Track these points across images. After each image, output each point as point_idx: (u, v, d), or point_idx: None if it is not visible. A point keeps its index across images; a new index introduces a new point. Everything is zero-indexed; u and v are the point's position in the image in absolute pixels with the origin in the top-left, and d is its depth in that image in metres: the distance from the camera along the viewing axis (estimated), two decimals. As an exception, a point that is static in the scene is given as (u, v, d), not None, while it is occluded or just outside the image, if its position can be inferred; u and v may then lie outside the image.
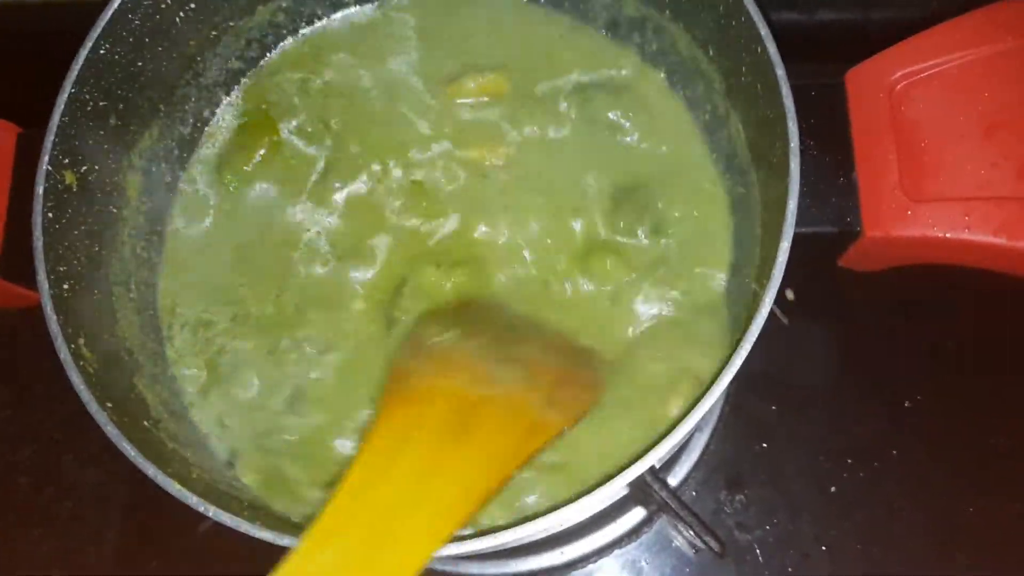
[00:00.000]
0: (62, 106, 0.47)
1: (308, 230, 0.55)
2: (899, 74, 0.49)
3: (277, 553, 0.40)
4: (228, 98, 0.58)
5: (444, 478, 0.36)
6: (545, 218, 0.54)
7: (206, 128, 0.58)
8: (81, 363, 0.44)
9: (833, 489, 0.60)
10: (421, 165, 0.55)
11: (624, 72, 0.57)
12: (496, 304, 0.51)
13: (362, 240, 0.54)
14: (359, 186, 0.55)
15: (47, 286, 0.44)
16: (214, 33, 0.56)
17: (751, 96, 0.49)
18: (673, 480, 0.60)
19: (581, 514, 0.41)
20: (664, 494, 0.46)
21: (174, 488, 0.41)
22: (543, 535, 0.51)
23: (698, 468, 0.61)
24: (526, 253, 0.53)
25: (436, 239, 0.54)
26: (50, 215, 0.46)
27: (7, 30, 0.71)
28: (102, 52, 0.49)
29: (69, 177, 0.48)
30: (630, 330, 0.51)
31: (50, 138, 0.47)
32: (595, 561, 0.60)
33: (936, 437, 0.60)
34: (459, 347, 0.45)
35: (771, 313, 0.40)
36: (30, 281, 0.46)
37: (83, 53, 0.48)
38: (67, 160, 0.48)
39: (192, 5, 0.53)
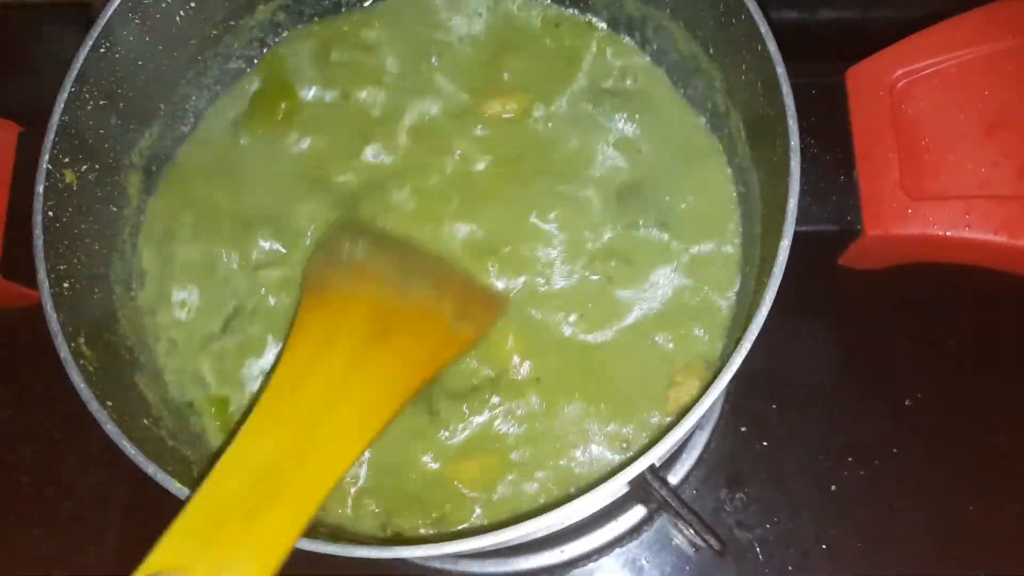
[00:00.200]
0: (62, 105, 0.47)
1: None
2: (899, 72, 0.49)
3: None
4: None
5: (367, 378, 0.39)
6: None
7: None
8: (81, 362, 0.44)
9: (833, 488, 0.60)
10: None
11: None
12: (398, 237, 0.52)
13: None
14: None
15: (47, 285, 0.44)
16: (215, 32, 0.56)
17: (751, 94, 0.49)
18: (673, 478, 0.60)
19: (581, 512, 0.41)
20: (664, 492, 0.46)
21: (174, 486, 0.41)
22: (544, 533, 0.51)
23: (698, 466, 0.61)
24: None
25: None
26: (50, 214, 0.46)
27: (8, 29, 0.71)
28: (102, 51, 0.49)
29: (69, 176, 0.48)
30: (632, 318, 0.52)
31: (50, 137, 0.47)
32: (595, 559, 0.60)
33: (936, 436, 0.60)
34: (370, 260, 0.46)
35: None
36: (30, 280, 0.46)
37: (83, 52, 0.48)
38: (67, 159, 0.48)
39: (192, 4, 0.53)
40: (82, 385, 0.42)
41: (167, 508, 0.41)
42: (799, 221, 0.42)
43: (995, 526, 0.58)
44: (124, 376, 0.48)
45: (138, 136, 0.53)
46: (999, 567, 0.58)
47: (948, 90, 0.49)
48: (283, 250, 0.53)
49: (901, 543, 0.59)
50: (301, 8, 0.59)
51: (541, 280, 0.52)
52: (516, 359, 0.50)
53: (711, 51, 0.53)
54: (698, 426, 0.60)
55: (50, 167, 0.46)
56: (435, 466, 0.49)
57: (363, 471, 0.49)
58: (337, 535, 0.48)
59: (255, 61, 0.59)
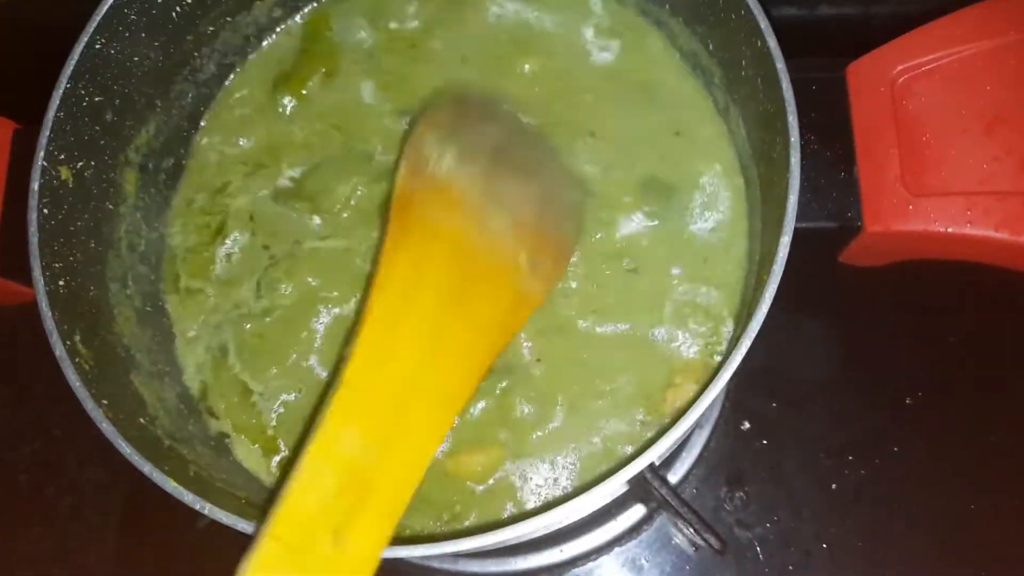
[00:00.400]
0: (57, 101, 0.47)
1: None
2: (900, 68, 0.49)
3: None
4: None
5: (447, 351, 0.34)
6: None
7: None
8: (77, 360, 0.43)
9: (834, 486, 0.60)
10: None
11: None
12: (493, 105, 0.49)
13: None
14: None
15: (42, 283, 0.44)
16: (211, 28, 0.55)
17: (751, 90, 0.48)
18: (673, 477, 0.60)
19: (581, 511, 0.41)
20: (664, 491, 0.46)
21: (170, 486, 0.41)
22: (543, 532, 0.51)
23: (698, 465, 0.61)
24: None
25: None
26: (45, 211, 0.46)
27: (2, 26, 0.70)
28: (98, 47, 0.49)
29: (65, 173, 0.48)
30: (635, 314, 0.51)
31: (45, 134, 0.46)
32: (595, 559, 0.60)
33: (937, 434, 0.60)
34: (457, 175, 0.42)
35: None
36: (26, 278, 0.45)
37: (79, 48, 0.48)
38: (63, 156, 0.48)
39: (188, 0, 0.53)
40: (77, 383, 0.42)
41: (166, 506, 0.41)
42: (799, 218, 0.42)
43: (996, 524, 0.58)
44: (120, 375, 0.48)
45: (134, 133, 0.53)
46: (1000, 565, 0.57)
47: (949, 86, 0.48)
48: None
49: (902, 541, 0.58)
50: (297, 4, 0.58)
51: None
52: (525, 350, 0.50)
53: (711, 47, 0.53)
54: (698, 424, 0.60)
55: (45, 164, 0.46)
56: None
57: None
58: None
59: (251, 56, 0.59)
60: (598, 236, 0.51)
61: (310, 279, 0.53)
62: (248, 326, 0.53)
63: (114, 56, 0.50)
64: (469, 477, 0.48)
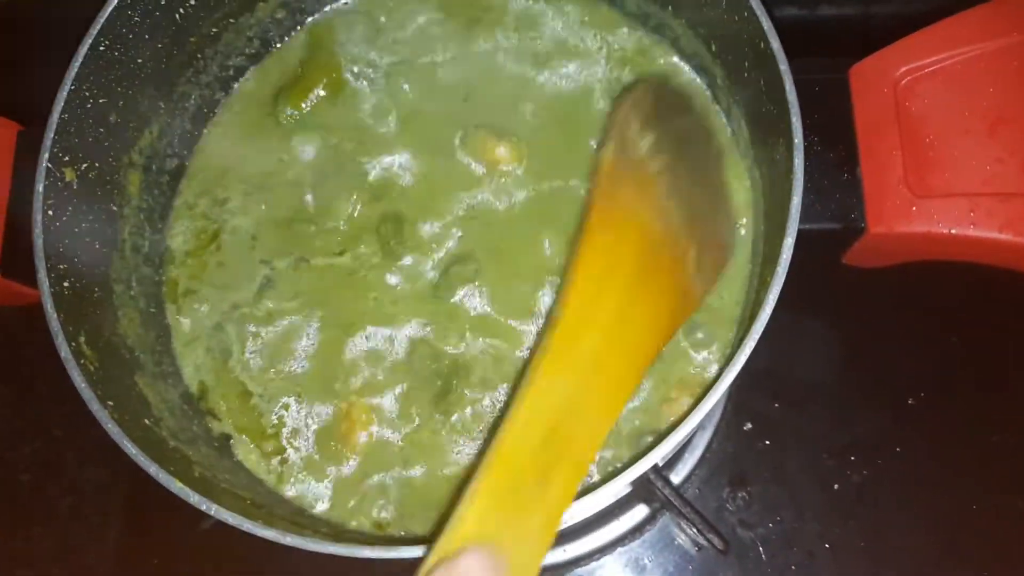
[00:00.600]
0: (62, 103, 0.47)
1: None
2: (903, 69, 0.49)
3: (278, 551, 0.40)
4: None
5: (633, 327, 0.37)
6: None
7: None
8: (82, 361, 0.43)
9: (836, 487, 0.60)
10: None
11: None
12: (689, 99, 0.51)
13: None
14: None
15: (47, 284, 0.44)
16: (215, 30, 0.55)
17: (754, 92, 0.48)
18: (676, 477, 0.60)
19: (583, 513, 0.41)
20: (667, 492, 0.46)
21: (176, 486, 0.41)
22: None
23: (701, 465, 0.61)
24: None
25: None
26: (50, 213, 0.46)
27: (7, 27, 0.70)
28: (102, 49, 0.49)
29: (69, 174, 0.48)
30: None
31: (50, 135, 0.46)
32: (598, 559, 0.60)
33: (939, 434, 0.60)
34: (652, 161, 0.43)
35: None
36: (30, 279, 0.45)
37: (83, 50, 0.48)
38: (67, 157, 0.48)
39: (192, 2, 0.53)
40: (83, 385, 0.42)
41: (168, 506, 0.41)
42: (802, 219, 0.42)
43: (998, 524, 0.58)
44: (124, 376, 0.48)
45: (138, 135, 0.53)
46: (1002, 565, 0.57)
47: (952, 87, 0.48)
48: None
49: (904, 541, 0.58)
50: (302, 6, 0.58)
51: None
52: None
53: (714, 48, 0.53)
54: (700, 425, 0.60)
55: (50, 166, 0.46)
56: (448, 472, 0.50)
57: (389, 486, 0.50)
58: (340, 535, 0.48)
59: (254, 64, 0.59)
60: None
61: (308, 294, 0.53)
62: (247, 329, 0.53)
63: (118, 58, 0.50)
64: None
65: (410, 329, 0.52)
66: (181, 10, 0.53)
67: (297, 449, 0.51)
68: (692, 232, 0.43)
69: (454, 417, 0.50)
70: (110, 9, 0.48)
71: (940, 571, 0.58)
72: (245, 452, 0.51)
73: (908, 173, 0.48)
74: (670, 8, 0.54)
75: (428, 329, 0.52)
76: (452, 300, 0.52)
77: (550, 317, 0.34)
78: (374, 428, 0.50)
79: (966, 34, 0.49)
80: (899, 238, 0.48)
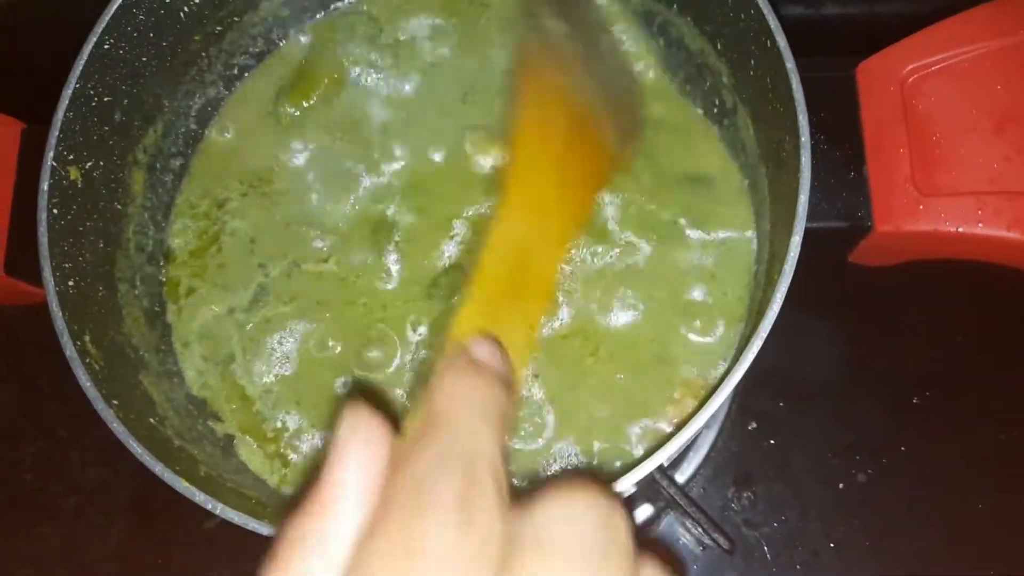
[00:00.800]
0: (66, 102, 0.47)
1: None
2: (910, 67, 0.49)
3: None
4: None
5: (573, 174, 0.39)
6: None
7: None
8: (87, 360, 0.43)
9: (841, 486, 0.59)
10: None
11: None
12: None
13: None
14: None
15: (52, 283, 0.44)
16: (219, 28, 0.55)
17: (760, 90, 0.48)
18: (681, 477, 0.60)
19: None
20: (672, 491, 0.46)
21: (181, 485, 0.41)
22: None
23: (705, 465, 0.60)
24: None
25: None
26: (55, 212, 0.46)
27: (11, 25, 0.70)
28: (106, 47, 0.49)
29: (74, 173, 0.48)
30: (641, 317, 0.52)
31: (54, 134, 0.46)
32: (602, 558, 0.60)
33: (945, 433, 0.60)
34: (566, 46, 0.46)
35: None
36: (35, 278, 0.45)
37: (87, 48, 0.48)
38: (71, 156, 0.48)
39: (197, 0, 0.53)
40: (88, 384, 0.42)
41: (172, 505, 0.41)
42: (809, 217, 0.42)
43: (1006, 524, 0.58)
44: (129, 375, 0.48)
45: (142, 133, 0.53)
46: (1010, 565, 0.57)
47: (959, 85, 0.48)
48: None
49: (910, 541, 0.58)
50: (305, 4, 0.58)
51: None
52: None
53: (719, 46, 0.53)
54: (705, 425, 0.60)
55: (55, 164, 0.46)
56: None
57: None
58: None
59: (258, 63, 0.59)
60: (599, 249, 0.52)
61: (304, 299, 0.53)
62: (247, 333, 0.53)
63: (123, 56, 0.50)
64: None
65: (408, 333, 0.52)
66: (185, 8, 0.53)
67: (300, 453, 0.51)
68: (607, 104, 0.45)
69: None
70: (115, 7, 0.48)
71: (946, 570, 0.58)
72: (248, 453, 0.51)
73: (915, 171, 0.47)
74: (675, 6, 0.54)
75: (422, 332, 0.52)
76: (451, 303, 0.52)
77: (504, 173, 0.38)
78: None
79: (973, 32, 0.48)
80: (906, 236, 0.47)
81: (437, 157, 0.55)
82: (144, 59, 0.51)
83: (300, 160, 0.56)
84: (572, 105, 0.42)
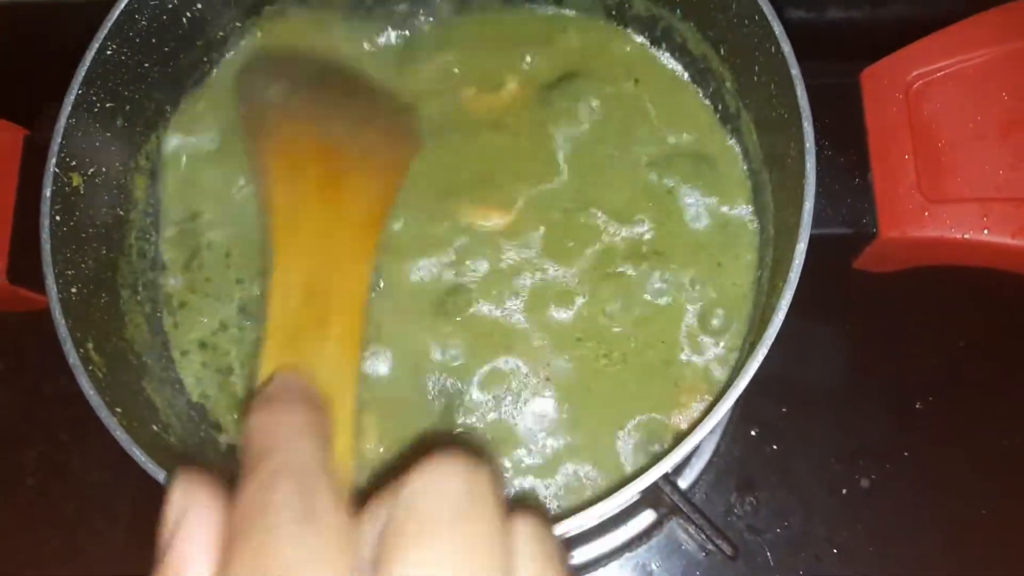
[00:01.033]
0: (69, 108, 0.46)
1: None
2: (915, 73, 0.49)
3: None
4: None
5: (352, 196, 0.40)
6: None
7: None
8: (90, 368, 0.43)
9: (844, 491, 0.59)
10: None
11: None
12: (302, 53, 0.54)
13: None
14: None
15: (55, 291, 0.44)
16: (221, 34, 0.55)
17: (764, 95, 0.48)
18: (683, 482, 0.60)
19: (591, 520, 0.40)
20: (676, 497, 0.46)
21: (185, 495, 0.41)
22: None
23: (708, 470, 0.60)
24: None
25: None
26: (57, 218, 0.46)
27: (13, 31, 0.70)
28: (109, 53, 0.48)
29: (76, 180, 0.48)
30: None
31: (57, 140, 0.46)
32: (605, 564, 0.60)
33: (949, 439, 0.60)
34: (292, 99, 0.46)
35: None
36: (37, 285, 0.45)
37: (90, 54, 0.47)
38: (74, 162, 0.47)
39: (199, 5, 0.52)
40: (91, 392, 0.42)
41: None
42: (813, 224, 0.42)
43: (1008, 529, 0.58)
44: (132, 382, 0.47)
45: (144, 139, 0.53)
46: (1013, 569, 0.57)
47: (965, 91, 0.48)
48: None
49: (913, 546, 0.58)
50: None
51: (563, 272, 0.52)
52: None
53: (722, 52, 0.52)
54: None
55: (57, 171, 0.46)
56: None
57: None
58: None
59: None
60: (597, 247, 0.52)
61: None
62: (244, 347, 0.53)
63: (125, 62, 0.49)
64: None
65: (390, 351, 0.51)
66: (188, 13, 0.52)
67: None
68: (371, 129, 0.47)
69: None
70: (117, 13, 0.48)
71: (949, 575, 0.58)
72: None
73: (920, 178, 0.47)
74: (679, 12, 0.54)
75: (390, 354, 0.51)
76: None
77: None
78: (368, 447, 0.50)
79: (979, 38, 0.48)
80: (911, 243, 0.47)
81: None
82: (146, 65, 0.51)
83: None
84: (323, 146, 0.42)
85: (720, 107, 0.55)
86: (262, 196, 0.40)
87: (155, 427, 0.46)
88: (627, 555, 0.60)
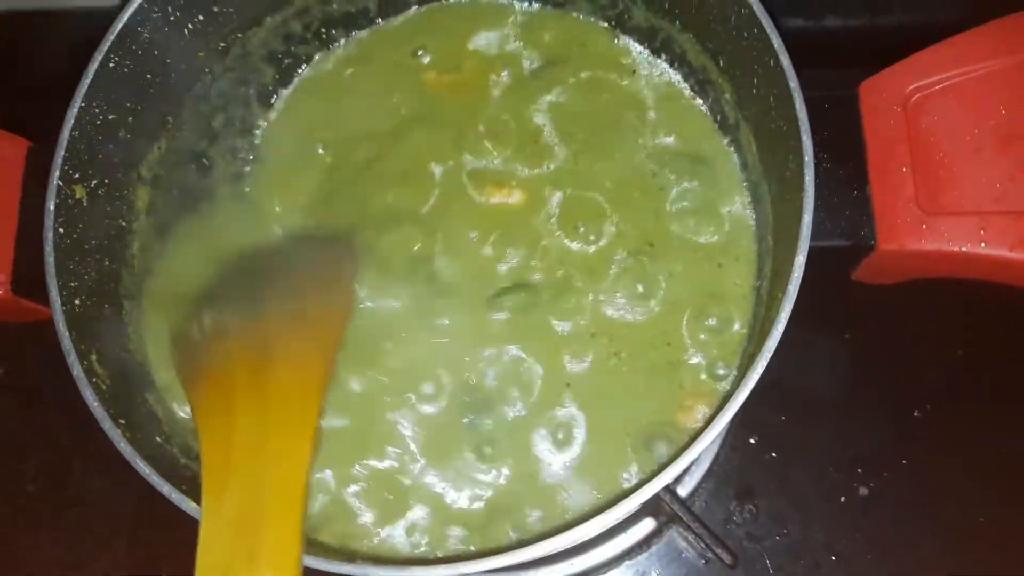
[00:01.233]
0: (72, 121, 0.47)
1: None
2: (913, 86, 0.49)
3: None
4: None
5: (278, 410, 0.40)
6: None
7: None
8: (94, 380, 0.43)
9: (843, 499, 0.60)
10: None
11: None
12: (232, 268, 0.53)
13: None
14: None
15: (59, 303, 0.44)
16: (222, 44, 0.55)
17: (763, 107, 0.48)
18: (683, 490, 0.60)
19: (592, 531, 0.41)
20: (675, 506, 0.46)
21: (189, 506, 0.41)
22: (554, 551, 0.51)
23: (708, 478, 0.61)
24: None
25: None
26: (61, 231, 0.46)
27: (16, 45, 0.70)
28: (111, 66, 0.49)
29: (79, 191, 0.48)
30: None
31: (60, 153, 0.46)
32: (605, 572, 0.60)
33: (945, 447, 0.60)
34: (222, 324, 0.47)
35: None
36: (40, 296, 0.45)
37: (92, 67, 0.48)
38: (77, 175, 0.48)
39: (200, 17, 0.53)
40: (95, 404, 0.42)
41: (176, 516, 0.41)
42: (812, 236, 0.42)
43: (1005, 537, 0.58)
44: (135, 393, 0.48)
45: (146, 150, 0.53)
46: (1011, 577, 0.58)
47: (963, 104, 0.48)
48: None
49: (911, 554, 0.59)
50: (308, 21, 0.58)
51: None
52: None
53: (721, 63, 0.53)
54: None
55: (60, 183, 0.46)
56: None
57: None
58: (351, 555, 0.48)
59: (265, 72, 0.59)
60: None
61: None
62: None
63: (127, 74, 0.50)
64: None
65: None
66: (189, 25, 0.53)
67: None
68: (303, 300, 0.47)
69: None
70: (120, 26, 0.48)
71: (947, 583, 0.58)
72: None
73: (918, 191, 0.48)
74: (678, 23, 0.54)
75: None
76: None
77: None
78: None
79: (976, 51, 0.49)
80: (909, 256, 0.48)
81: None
82: (148, 76, 0.51)
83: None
84: (251, 357, 0.42)
85: (720, 117, 0.55)
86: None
87: (158, 438, 0.46)
88: (627, 563, 0.60)
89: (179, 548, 0.61)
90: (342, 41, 0.60)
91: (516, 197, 0.55)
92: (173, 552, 0.61)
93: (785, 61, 0.45)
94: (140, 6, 0.49)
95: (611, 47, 0.58)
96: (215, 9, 0.53)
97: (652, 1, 0.55)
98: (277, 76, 0.59)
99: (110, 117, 0.49)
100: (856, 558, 0.59)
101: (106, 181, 0.50)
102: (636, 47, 0.58)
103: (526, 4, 0.59)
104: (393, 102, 0.58)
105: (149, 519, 0.64)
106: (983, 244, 0.46)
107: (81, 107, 0.47)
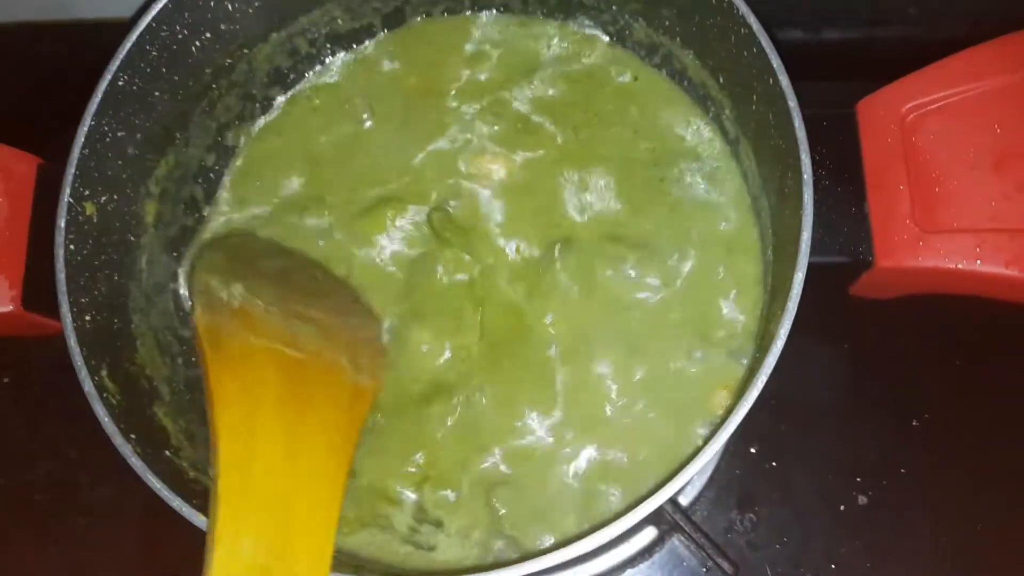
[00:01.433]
0: (82, 139, 0.47)
1: None
2: (910, 105, 0.50)
3: None
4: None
5: (306, 446, 0.38)
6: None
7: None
8: (105, 395, 0.44)
9: (843, 507, 0.60)
10: None
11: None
12: (265, 242, 0.53)
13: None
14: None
15: (70, 319, 0.45)
16: (229, 61, 0.56)
17: (762, 124, 0.49)
18: (684, 499, 0.61)
19: (593, 542, 0.41)
20: (677, 516, 0.47)
21: (199, 520, 0.41)
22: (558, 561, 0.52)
23: (709, 487, 0.61)
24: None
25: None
26: (71, 247, 0.47)
27: (26, 63, 0.71)
28: (120, 84, 0.49)
29: (89, 208, 0.48)
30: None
31: (71, 171, 0.47)
32: (608, 580, 0.61)
33: (944, 455, 0.61)
34: (251, 303, 0.45)
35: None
36: (50, 310, 0.46)
37: (102, 85, 0.48)
38: (87, 192, 0.48)
39: (207, 34, 0.53)
40: (107, 419, 0.43)
41: (183, 526, 0.42)
42: (810, 252, 0.42)
43: (1004, 545, 0.59)
44: (144, 407, 0.48)
45: (154, 165, 0.54)
46: (1009, 586, 0.58)
47: (959, 123, 0.49)
48: None
49: (911, 562, 0.59)
50: (314, 38, 0.59)
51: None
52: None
53: (721, 80, 0.53)
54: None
55: (71, 201, 0.47)
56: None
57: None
58: (359, 566, 0.48)
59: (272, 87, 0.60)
60: (608, 273, 0.53)
61: None
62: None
63: (136, 92, 0.50)
64: None
65: None
66: (197, 42, 0.53)
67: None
68: (334, 341, 0.45)
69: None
70: (129, 45, 0.49)
71: (946, 591, 0.59)
72: None
73: (915, 208, 0.48)
74: (678, 40, 0.55)
75: None
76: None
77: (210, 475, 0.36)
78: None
79: (973, 71, 0.49)
80: (906, 272, 0.48)
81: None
82: (157, 93, 0.52)
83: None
84: (283, 360, 0.41)
85: (720, 133, 0.56)
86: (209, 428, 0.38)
87: (167, 452, 0.47)
88: (629, 571, 0.61)
89: (187, 558, 0.62)
90: (342, 55, 0.61)
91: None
92: (181, 562, 0.62)
93: (784, 81, 0.45)
94: (149, 25, 0.49)
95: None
96: (222, 27, 0.54)
97: (653, 18, 0.55)
98: (282, 91, 0.60)
99: (119, 134, 0.50)
100: (855, 566, 0.59)
101: (115, 197, 0.50)
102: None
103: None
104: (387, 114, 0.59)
105: (156, 527, 0.64)
106: (979, 261, 0.47)
107: (91, 125, 0.48)
